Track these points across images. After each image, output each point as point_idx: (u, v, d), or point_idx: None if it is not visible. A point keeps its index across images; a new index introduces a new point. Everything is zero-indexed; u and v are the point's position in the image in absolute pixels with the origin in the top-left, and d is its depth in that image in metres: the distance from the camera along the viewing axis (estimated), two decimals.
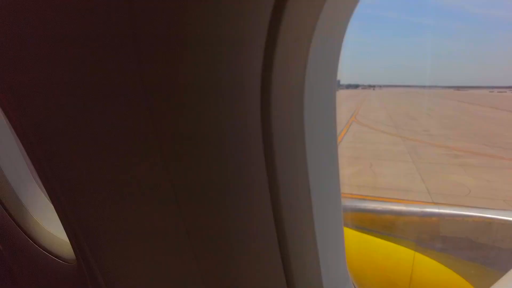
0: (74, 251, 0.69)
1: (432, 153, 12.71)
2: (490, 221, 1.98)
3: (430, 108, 41.79)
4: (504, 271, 1.51)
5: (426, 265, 2.01)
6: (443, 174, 9.64)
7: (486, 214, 2.00)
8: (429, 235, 2.14)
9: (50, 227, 0.77)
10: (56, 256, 0.74)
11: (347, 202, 2.48)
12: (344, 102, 53.99)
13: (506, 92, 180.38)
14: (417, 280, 1.94)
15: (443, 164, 10.89)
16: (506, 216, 1.92)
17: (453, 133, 18.42)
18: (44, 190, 0.78)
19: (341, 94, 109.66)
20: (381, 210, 2.26)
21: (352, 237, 2.19)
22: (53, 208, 0.67)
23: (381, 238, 2.16)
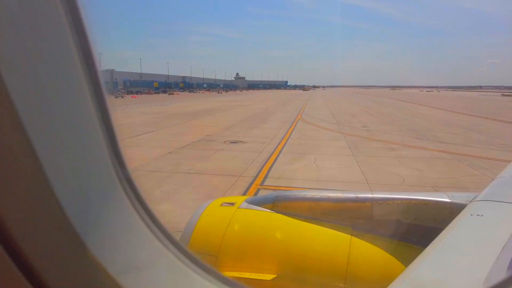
0: None
1: (371, 147, 13.57)
2: (416, 202, 2.10)
3: (369, 106, 44.61)
4: (426, 247, 1.62)
5: (362, 248, 2.09)
6: (380, 166, 10.32)
7: (412, 196, 2.13)
8: (363, 219, 2.23)
9: None
10: None
11: (286, 192, 2.51)
12: (292, 101, 55.52)
13: (433, 91, 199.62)
14: (353, 263, 2.01)
15: (380, 157, 11.66)
16: (428, 197, 2.07)
17: (389, 128, 19.83)
18: None
19: (288, 93, 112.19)
20: (319, 197, 2.31)
21: (292, 225, 2.21)
22: None
23: (319, 224, 2.20)
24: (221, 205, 2.46)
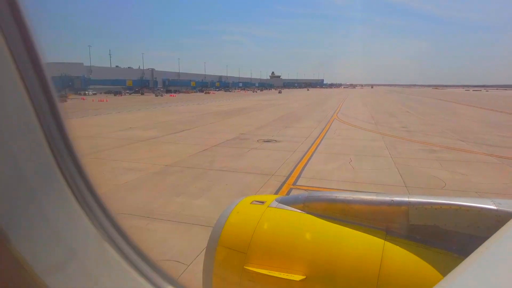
0: None
1: (410, 149, 12.98)
2: (457, 208, 1.98)
3: (409, 105, 42.74)
4: (466, 256, 1.52)
5: (396, 253, 2.00)
6: (420, 168, 9.84)
7: (453, 201, 2.01)
8: (398, 224, 2.13)
9: None
10: None
11: (318, 193, 2.46)
12: (328, 100, 54.54)
13: (480, 90, 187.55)
14: (386, 269, 1.93)
15: (420, 159, 11.12)
16: (471, 203, 1.93)
17: (430, 130, 18.88)
18: None
19: (323, 92, 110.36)
20: (352, 199, 2.24)
21: (323, 227, 2.16)
22: None
23: (351, 227, 2.14)
24: (251, 203, 2.46)
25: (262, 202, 2.43)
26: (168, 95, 74.05)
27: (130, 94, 73.45)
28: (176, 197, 7.33)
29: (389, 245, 1.99)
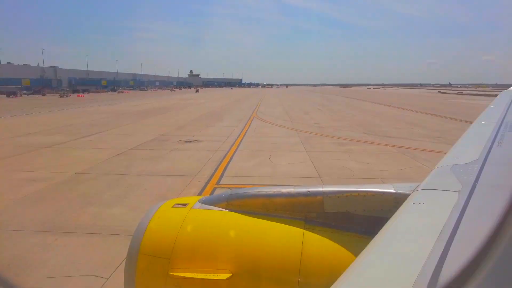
0: None
1: (323, 143, 14.04)
2: (364, 194, 2.18)
3: (320, 103, 46.14)
4: (374, 236, 1.69)
5: (314, 241, 2.13)
6: (332, 160, 10.72)
7: (361, 188, 2.21)
8: (315, 213, 2.27)
9: None
10: None
11: (240, 190, 2.48)
12: (247, 99, 55.69)
13: (379, 88, 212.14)
14: (307, 256, 2.04)
15: (331, 152, 12.11)
16: (375, 188, 2.16)
17: (339, 125, 20.67)
18: None
19: (242, 91, 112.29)
20: (272, 193, 2.32)
21: (246, 223, 2.19)
22: None
23: (273, 220, 2.21)
24: (173, 206, 2.37)
25: (185, 205, 2.36)
26: (75, 95, 67.31)
27: (28, 95, 64.67)
28: (89, 207, 6.71)
29: (308, 234, 2.11)
